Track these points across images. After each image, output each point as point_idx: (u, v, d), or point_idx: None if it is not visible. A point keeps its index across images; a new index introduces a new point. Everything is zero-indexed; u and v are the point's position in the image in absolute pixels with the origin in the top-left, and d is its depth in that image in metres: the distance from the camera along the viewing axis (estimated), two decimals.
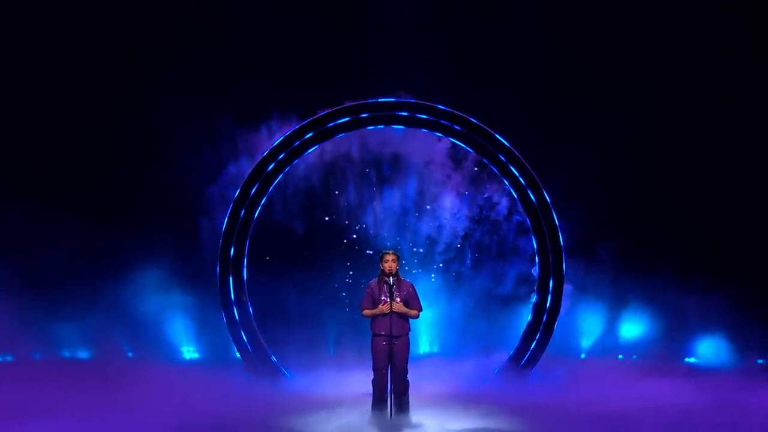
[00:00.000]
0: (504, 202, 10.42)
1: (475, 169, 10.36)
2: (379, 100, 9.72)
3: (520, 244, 10.42)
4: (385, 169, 10.37)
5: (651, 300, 10.68)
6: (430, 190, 10.41)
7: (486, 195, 10.38)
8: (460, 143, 9.85)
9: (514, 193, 9.76)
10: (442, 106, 9.71)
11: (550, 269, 9.59)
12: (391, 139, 10.13)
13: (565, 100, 10.69)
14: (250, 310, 9.59)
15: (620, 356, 10.99)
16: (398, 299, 7.53)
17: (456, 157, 10.32)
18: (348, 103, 9.65)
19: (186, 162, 10.19)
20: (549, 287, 9.56)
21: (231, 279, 9.51)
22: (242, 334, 9.44)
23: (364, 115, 9.70)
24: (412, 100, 9.69)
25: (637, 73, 10.58)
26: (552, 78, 10.66)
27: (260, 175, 9.63)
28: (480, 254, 10.58)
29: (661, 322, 10.79)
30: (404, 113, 9.72)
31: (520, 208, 9.77)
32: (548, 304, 9.55)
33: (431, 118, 9.68)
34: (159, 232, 10.17)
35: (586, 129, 10.34)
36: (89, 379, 8.82)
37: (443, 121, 9.64)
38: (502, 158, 9.66)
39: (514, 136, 9.69)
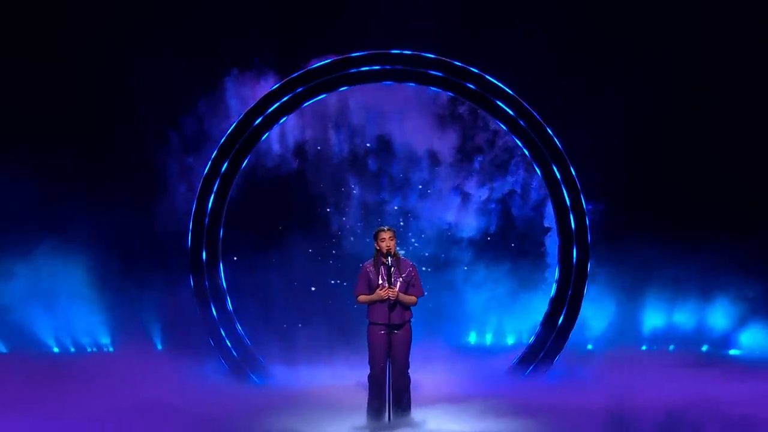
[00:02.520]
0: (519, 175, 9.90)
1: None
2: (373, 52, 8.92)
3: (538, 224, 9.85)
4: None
5: (689, 283, 10.02)
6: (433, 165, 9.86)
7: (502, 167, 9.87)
8: (466, 100, 9.16)
9: (530, 158, 9.04)
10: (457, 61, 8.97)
11: (573, 243, 8.79)
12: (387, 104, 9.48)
13: (588, 57, 9.95)
14: (227, 295, 8.86)
15: (656, 347, 10.36)
16: (399, 282, 6.78)
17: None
18: (329, 59, 8.87)
19: (149, 124, 9.48)
20: (571, 269, 8.76)
21: (204, 261, 8.77)
22: (217, 323, 8.75)
23: (351, 71, 8.88)
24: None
25: (672, 28, 9.84)
26: (573, 30, 9.87)
27: (238, 140, 8.81)
28: (491, 235, 10.01)
29: (700, 309, 10.11)
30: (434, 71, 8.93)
31: (539, 174, 9.03)
32: (570, 289, 8.79)
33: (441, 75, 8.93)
34: (118, 206, 9.40)
35: (610, 83, 9.69)
36: (43, 374, 8.21)
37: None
38: (507, 108, 8.91)
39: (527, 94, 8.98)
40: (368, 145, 9.75)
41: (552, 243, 9.28)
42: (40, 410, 6.89)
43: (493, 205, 9.89)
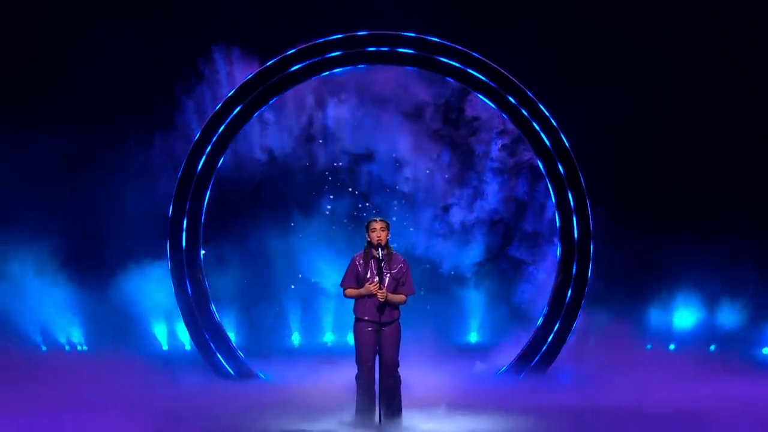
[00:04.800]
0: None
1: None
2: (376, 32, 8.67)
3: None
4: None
5: (690, 279, 9.84)
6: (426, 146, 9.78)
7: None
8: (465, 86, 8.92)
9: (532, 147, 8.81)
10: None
11: (575, 245, 8.55)
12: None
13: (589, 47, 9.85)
14: (207, 288, 8.63)
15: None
16: (388, 278, 6.53)
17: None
18: (311, 41, 8.59)
19: (123, 109, 9.25)
20: (573, 264, 8.55)
21: (184, 251, 8.50)
22: (197, 318, 8.52)
23: (354, 51, 8.63)
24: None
25: (672, 25, 9.77)
26: (571, 28, 9.80)
27: (218, 126, 8.57)
28: (488, 226, 9.88)
29: (705, 306, 9.94)
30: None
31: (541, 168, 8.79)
32: (571, 283, 8.56)
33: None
34: (88, 195, 9.28)
35: (607, 80, 9.53)
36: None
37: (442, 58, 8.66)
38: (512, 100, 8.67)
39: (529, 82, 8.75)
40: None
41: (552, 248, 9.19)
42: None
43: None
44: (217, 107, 8.62)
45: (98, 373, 8.02)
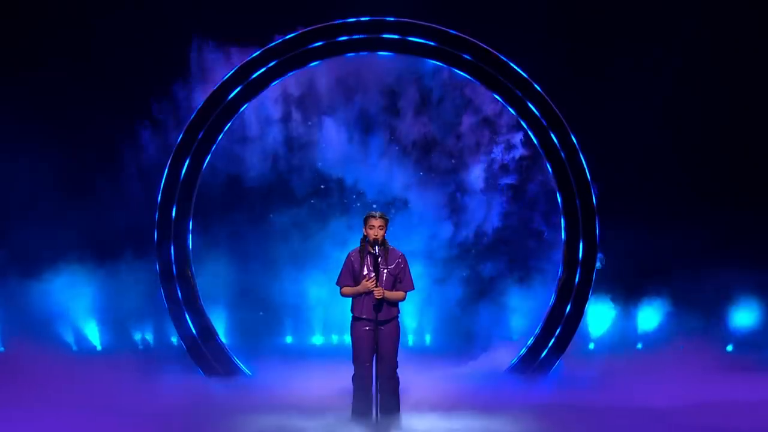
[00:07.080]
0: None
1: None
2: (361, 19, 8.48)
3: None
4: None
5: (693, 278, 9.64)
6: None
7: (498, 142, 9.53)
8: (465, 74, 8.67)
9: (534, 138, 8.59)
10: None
11: (579, 233, 8.34)
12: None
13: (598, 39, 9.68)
14: (196, 285, 8.46)
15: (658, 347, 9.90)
16: (385, 274, 6.41)
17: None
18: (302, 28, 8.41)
19: (111, 99, 9.01)
20: (578, 256, 8.34)
21: (172, 247, 8.36)
22: (186, 316, 8.35)
23: (342, 39, 8.43)
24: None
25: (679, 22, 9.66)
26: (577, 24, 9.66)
27: (209, 116, 8.37)
28: (487, 219, 9.63)
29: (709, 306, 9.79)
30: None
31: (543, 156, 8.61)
32: (576, 280, 8.35)
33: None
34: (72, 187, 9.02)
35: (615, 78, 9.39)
36: None
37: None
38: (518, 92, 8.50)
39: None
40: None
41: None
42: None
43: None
44: (202, 102, 8.42)
45: (86, 372, 7.93)
